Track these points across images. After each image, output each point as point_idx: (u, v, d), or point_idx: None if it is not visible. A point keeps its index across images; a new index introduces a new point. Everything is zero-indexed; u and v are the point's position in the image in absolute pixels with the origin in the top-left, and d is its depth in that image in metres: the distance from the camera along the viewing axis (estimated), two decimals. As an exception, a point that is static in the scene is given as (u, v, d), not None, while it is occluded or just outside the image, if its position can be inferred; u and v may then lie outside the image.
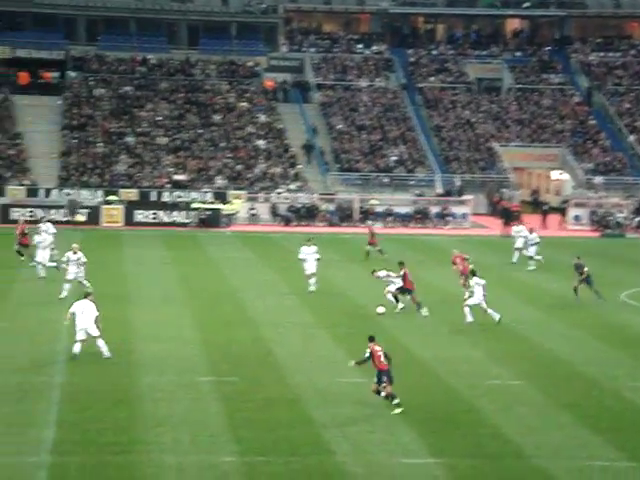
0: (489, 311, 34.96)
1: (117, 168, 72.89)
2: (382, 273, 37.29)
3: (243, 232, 62.80)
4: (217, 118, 78.63)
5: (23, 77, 79.31)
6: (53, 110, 77.69)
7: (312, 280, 40.52)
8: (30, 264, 43.96)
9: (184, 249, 54.67)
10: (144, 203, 67.45)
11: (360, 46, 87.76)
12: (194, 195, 69.23)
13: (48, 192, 68.28)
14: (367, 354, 24.77)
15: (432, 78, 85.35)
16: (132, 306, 37.19)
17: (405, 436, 22.98)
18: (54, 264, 42.50)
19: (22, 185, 69.02)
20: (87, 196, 68.08)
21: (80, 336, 28.68)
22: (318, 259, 40.90)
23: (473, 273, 36.07)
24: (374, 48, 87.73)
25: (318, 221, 67.80)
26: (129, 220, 64.50)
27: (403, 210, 69.53)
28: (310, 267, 40.68)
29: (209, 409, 24.62)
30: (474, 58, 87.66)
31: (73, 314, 28.88)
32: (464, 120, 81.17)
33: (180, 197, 69.06)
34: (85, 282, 37.45)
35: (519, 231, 50.99)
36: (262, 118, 79.29)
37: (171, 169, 73.26)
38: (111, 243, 56.11)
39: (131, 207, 65.44)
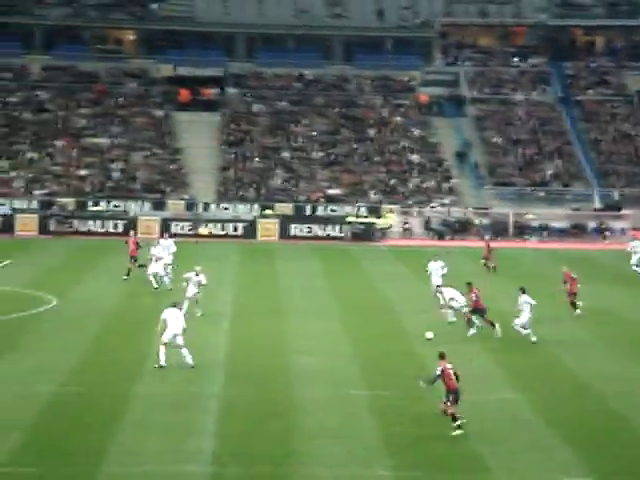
0: (526, 332, 33.71)
1: (273, 183, 74.00)
2: (448, 293, 35.85)
3: (396, 246, 62.87)
4: (371, 132, 79.05)
5: (184, 94, 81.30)
6: (212, 126, 79.37)
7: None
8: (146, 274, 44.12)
9: (338, 263, 55.07)
10: (299, 217, 68.29)
11: (516, 59, 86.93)
12: (348, 209, 69.71)
13: (206, 206, 69.85)
14: (438, 372, 24.17)
15: (591, 91, 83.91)
16: (287, 319, 37.65)
17: (562, 454, 22.66)
18: (166, 279, 42.48)
19: (182, 199, 70.75)
20: (244, 210, 69.37)
21: (165, 339, 29.23)
22: (444, 274, 40.55)
23: (523, 291, 34.25)
24: (531, 61, 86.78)
25: (472, 235, 67.33)
26: (284, 234, 65.33)
27: (559, 225, 68.52)
28: (436, 282, 40.38)
29: (363, 422, 24.76)
30: (635, 70, 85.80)
31: (164, 320, 29.45)
32: (624, 133, 79.53)
33: (334, 211, 69.67)
34: (195, 306, 36.71)
35: (635, 247, 49.64)
36: (416, 132, 79.35)
37: (325, 183, 73.96)
38: (266, 256, 56.93)
39: (286, 221, 66.30)
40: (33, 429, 23.54)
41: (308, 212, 69.88)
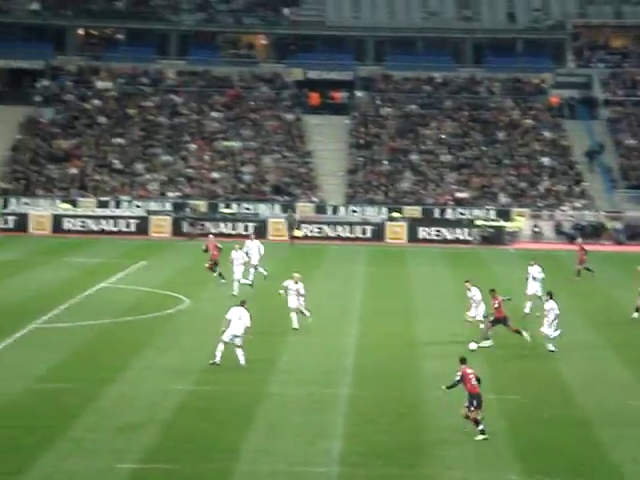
0: (553, 335, 32.32)
1: (401, 185, 74.07)
2: (474, 291, 34.16)
3: (526, 250, 62.25)
4: (501, 135, 78.47)
5: (314, 97, 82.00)
6: (341, 129, 79.84)
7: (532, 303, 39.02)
8: (219, 280, 44.04)
9: (466, 266, 54.80)
10: (427, 220, 68.22)
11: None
12: (477, 212, 69.40)
13: (335, 209, 70.34)
14: (458, 377, 23.97)
15: None
16: (415, 322, 37.70)
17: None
18: (249, 282, 42.07)
19: (311, 202, 71.40)
20: (372, 213, 69.66)
21: (225, 338, 29.45)
22: (542, 279, 39.50)
23: (550, 296, 32.89)
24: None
25: (604, 239, 66.30)
26: (412, 237, 65.37)
27: (695, 229, 67.01)
28: (532, 288, 39.55)
29: (493, 426, 24.64)
30: None
31: (229, 320, 29.57)
32: None
33: (463, 214, 69.42)
34: (306, 312, 35.22)
35: None
36: (547, 135, 78.46)
37: (454, 186, 73.70)
38: (395, 259, 57.04)
39: (414, 224, 66.33)
40: (168, 427, 24.11)
41: (437, 215, 69.79)
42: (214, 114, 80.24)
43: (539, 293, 39.04)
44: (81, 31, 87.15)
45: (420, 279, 49.20)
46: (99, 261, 52.59)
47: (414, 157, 76.54)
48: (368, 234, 65.53)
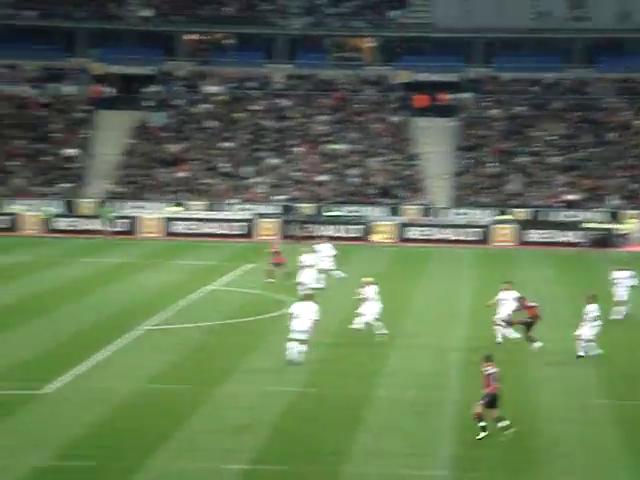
0: (590, 344, 30.99)
1: (509, 187, 73.35)
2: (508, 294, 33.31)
3: (638, 252, 61.08)
4: (612, 137, 77.17)
5: (421, 100, 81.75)
6: (448, 131, 79.46)
7: (621, 308, 37.84)
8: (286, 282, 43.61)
9: (574, 269, 54.04)
10: (536, 222, 67.46)
11: None
12: (587, 215, 68.38)
13: (442, 212, 69.99)
14: (492, 371, 23.36)
15: None
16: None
17: None
18: (320, 285, 41.51)
19: (417, 205, 71.14)
20: (479, 215, 69.12)
21: (294, 335, 29.37)
22: (632, 285, 38.29)
23: (592, 300, 31.17)
24: None
25: None
26: (520, 239, 64.69)
27: None
28: (620, 293, 38.35)
29: (606, 432, 24.23)
30: None
31: (292, 314, 29.50)
32: None
33: (572, 217, 68.45)
34: (362, 325, 33.80)
35: None
36: (659, 136, 77.05)
37: (563, 188, 72.75)
38: (502, 262, 56.46)
39: (522, 226, 65.62)
40: (276, 428, 24.19)
41: (545, 217, 68.94)
42: (320, 117, 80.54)
43: (624, 299, 37.93)
44: (190, 37, 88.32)
45: (528, 282, 48.47)
46: (207, 264, 53.14)
47: (522, 159, 75.77)
48: (475, 237, 65.04)
